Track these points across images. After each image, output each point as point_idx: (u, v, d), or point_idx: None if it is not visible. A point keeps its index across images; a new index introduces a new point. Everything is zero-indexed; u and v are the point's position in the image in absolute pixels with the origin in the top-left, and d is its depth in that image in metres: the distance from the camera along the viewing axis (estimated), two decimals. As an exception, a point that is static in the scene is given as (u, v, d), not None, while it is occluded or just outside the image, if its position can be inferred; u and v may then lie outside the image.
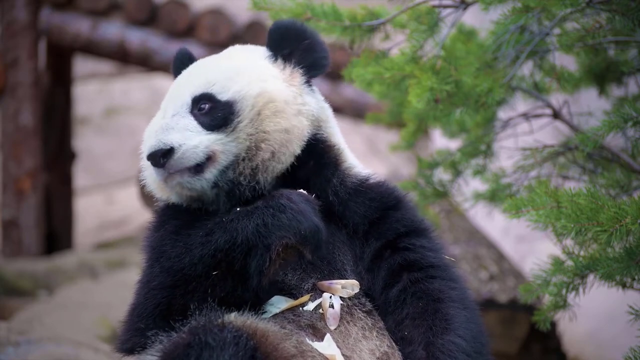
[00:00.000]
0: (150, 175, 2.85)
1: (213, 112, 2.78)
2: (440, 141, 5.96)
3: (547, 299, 3.39)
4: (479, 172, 4.11)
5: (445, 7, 3.55)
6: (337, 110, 4.13)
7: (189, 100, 2.81)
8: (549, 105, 3.91)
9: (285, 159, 2.80)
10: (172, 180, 2.74)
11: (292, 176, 2.83)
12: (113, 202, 14.07)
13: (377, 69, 3.47)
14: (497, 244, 5.64)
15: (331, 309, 2.70)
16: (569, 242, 3.25)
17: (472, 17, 3.92)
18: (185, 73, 2.94)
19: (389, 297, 2.77)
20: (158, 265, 2.66)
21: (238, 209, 2.68)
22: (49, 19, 9.37)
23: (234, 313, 2.59)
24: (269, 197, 2.68)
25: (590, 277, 3.23)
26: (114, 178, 14.37)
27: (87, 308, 5.83)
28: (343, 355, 2.63)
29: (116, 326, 2.90)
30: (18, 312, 6.14)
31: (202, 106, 2.79)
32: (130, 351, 2.69)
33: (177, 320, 2.60)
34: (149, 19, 9.25)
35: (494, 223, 5.59)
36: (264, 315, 2.66)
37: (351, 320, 2.71)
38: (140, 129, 3.00)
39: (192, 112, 2.80)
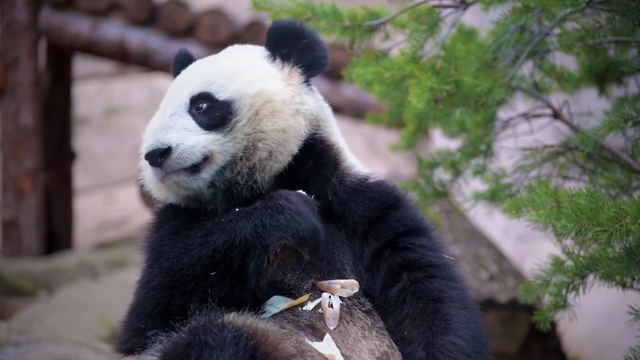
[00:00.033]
0: (148, 174, 2.85)
1: (211, 111, 2.78)
2: (440, 141, 5.96)
3: (547, 299, 3.38)
4: (479, 172, 4.11)
5: (445, 7, 3.55)
6: (337, 110, 4.13)
7: (187, 100, 2.81)
8: (549, 105, 3.91)
9: (283, 159, 2.80)
10: (169, 179, 2.75)
11: (292, 176, 2.82)
12: (113, 202, 14.08)
13: (377, 69, 3.47)
14: (497, 244, 5.64)
15: (330, 308, 2.69)
16: (569, 242, 3.25)
17: (472, 17, 3.92)
18: (184, 73, 2.94)
19: (389, 296, 2.77)
20: (157, 266, 2.66)
21: (237, 209, 2.68)
22: (49, 19, 9.37)
23: (233, 313, 2.59)
24: (268, 197, 2.68)
25: (590, 277, 3.23)
26: (114, 178, 14.37)
27: (87, 308, 5.83)
28: (342, 355, 2.62)
29: (116, 326, 2.90)
30: (18, 312, 6.14)
31: (200, 105, 2.79)
32: (130, 351, 2.69)
33: (177, 321, 2.59)
34: (149, 19, 9.26)
35: (494, 223, 5.59)
36: (263, 315, 2.66)
37: (351, 320, 2.71)
38: (140, 129, 3.00)
39: (190, 111, 2.80)
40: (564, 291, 3.28)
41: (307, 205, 2.65)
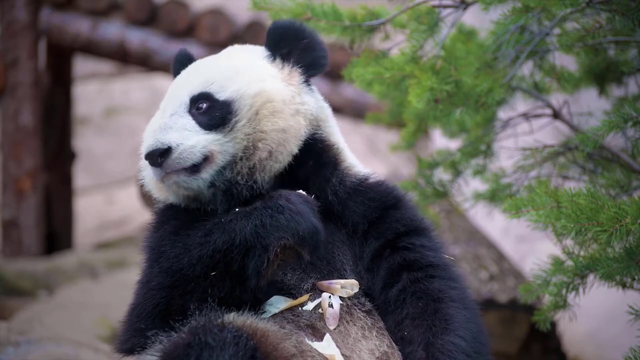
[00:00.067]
0: (148, 174, 2.85)
1: (211, 111, 2.78)
2: (440, 141, 5.96)
3: (547, 299, 3.38)
4: (479, 172, 4.11)
5: (445, 7, 3.54)
6: (337, 110, 4.13)
7: (187, 100, 2.81)
8: (549, 105, 3.91)
9: (283, 158, 2.80)
10: (169, 179, 2.75)
11: (292, 176, 2.82)
12: (113, 202, 14.08)
13: (377, 69, 3.47)
14: (497, 244, 5.64)
15: (330, 308, 2.69)
16: (569, 242, 3.25)
17: (472, 17, 3.92)
18: (184, 73, 2.94)
19: (389, 296, 2.77)
20: (157, 266, 2.66)
21: (237, 209, 2.68)
22: (49, 19, 9.37)
23: (233, 313, 2.59)
24: (268, 197, 2.67)
25: (590, 277, 3.23)
26: (114, 178, 14.37)
27: (87, 308, 5.83)
28: (342, 355, 2.62)
29: (116, 326, 2.90)
30: (18, 312, 6.14)
31: (200, 105, 2.79)
32: (130, 351, 2.69)
33: (177, 320, 2.59)
34: (149, 19, 9.26)
35: (494, 223, 5.59)
36: (263, 315, 2.65)
37: (351, 320, 2.71)
38: (140, 129, 3.00)
39: (190, 111, 2.80)
40: (564, 291, 3.28)
41: (307, 206, 2.64)
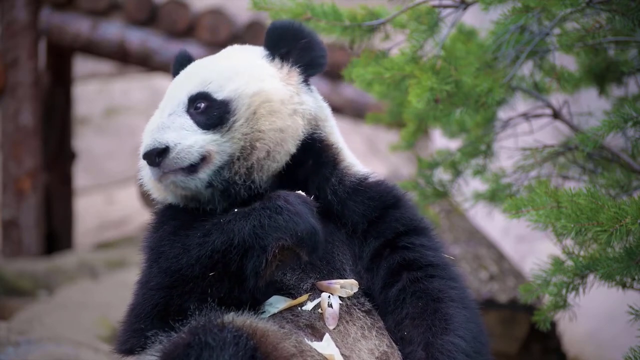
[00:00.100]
0: (147, 174, 2.85)
1: (209, 111, 2.78)
2: (440, 141, 5.96)
3: (547, 299, 3.38)
4: (479, 172, 4.11)
5: (445, 7, 3.54)
6: (337, 110, 4.13)
7: (185, 100, 2.81)
8: (549, 105, 3.91)
9: (281, 158, 2.80)
10: (167, 179, 2.75)
11: (291, 176, 2.82)
12: (113, 202, 14.08)
13: (377, 69, 3.47)
14: (497, 244, 5.64)
15: (330, 308, 2.69)
16: (569, 242, 3.25)
17: (472, 17, 3.92)
18: (183, 73, 2.94)
19: (389, 296, 2.77)
20: (156, 266, 2.66)
21: (236, 210, 2.68)
22: (49, 19, 9.37)
23: (233, 313, 2.59)
24: (267, 198, 2.67)
25: (590, 277, 3.23)
26: (114, 178, 14.37)
27: (87, 308, 5.83)
28: (342, 354, 2.62)
29: (116, 326, 2.90)
30: (18, 312, 6.14)
31: (199, 105, 2.79)
32: (129, 352, 2.69)
33: (176, 321, 2.59)
34: (149, 19, 9.26)
35: (494, 223, 5.59)
36: (262, 315, 2.65)
37: (350, 320, 2.71)
38: (140, 129, 3.00)
39: (188, 111, 2.80)
40: (564, 291, 3.28)
41: (305, 206, 2.64)
